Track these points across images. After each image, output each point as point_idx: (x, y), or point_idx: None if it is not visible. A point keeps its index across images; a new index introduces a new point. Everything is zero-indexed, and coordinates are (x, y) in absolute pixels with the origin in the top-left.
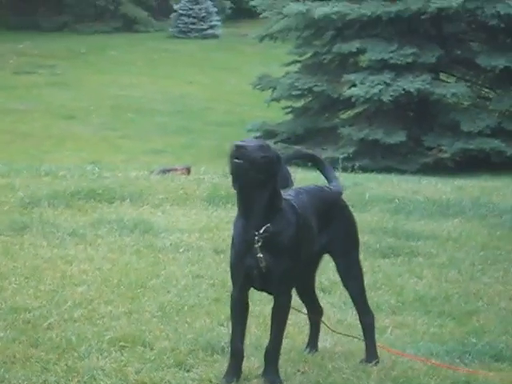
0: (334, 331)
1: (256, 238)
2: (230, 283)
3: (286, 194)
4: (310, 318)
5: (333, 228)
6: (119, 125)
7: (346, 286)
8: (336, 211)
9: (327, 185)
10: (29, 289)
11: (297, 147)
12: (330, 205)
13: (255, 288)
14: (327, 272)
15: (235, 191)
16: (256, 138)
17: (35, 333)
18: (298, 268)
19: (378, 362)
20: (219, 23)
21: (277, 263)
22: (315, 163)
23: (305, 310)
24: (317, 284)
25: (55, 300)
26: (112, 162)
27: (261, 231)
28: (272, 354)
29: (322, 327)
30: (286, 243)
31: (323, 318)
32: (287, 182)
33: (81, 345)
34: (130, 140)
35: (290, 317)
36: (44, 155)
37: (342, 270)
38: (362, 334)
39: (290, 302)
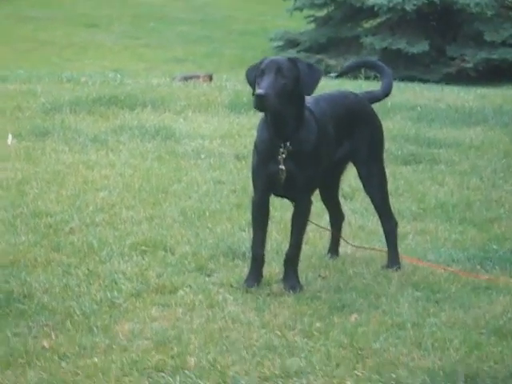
0: (349, 243)
1: (281, 149)
2: (251, 189)
3: (306, 101)
4: (331, 224)
5: (356, 136)
6: (141, 33)
7: (368, 193)
8: (360, 119)
9: (353, 91)
10: (50, 194)
11: (319, 56)
12: (353, 112)
13: (276, 194)
14: (349, 179)
15: None
16: (278, 47)
17: (57, 237)
18: (319, 174)
19: (399, 267)
20: None
21: (299, 171)
22: (373, 67)
23: (326, 217)
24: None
25: (77, 205)
26: (134, 70)
27: (287, 144)
28: (292, 258)
29: (344, 233)
30: (308, 152)
31: (344, 224)
32: (310, 89)
33: (102, 249)
34: (151, 49)
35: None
36: (65, 63)
37: (364, 178)
38: (383, 240)
39: (310, 207)
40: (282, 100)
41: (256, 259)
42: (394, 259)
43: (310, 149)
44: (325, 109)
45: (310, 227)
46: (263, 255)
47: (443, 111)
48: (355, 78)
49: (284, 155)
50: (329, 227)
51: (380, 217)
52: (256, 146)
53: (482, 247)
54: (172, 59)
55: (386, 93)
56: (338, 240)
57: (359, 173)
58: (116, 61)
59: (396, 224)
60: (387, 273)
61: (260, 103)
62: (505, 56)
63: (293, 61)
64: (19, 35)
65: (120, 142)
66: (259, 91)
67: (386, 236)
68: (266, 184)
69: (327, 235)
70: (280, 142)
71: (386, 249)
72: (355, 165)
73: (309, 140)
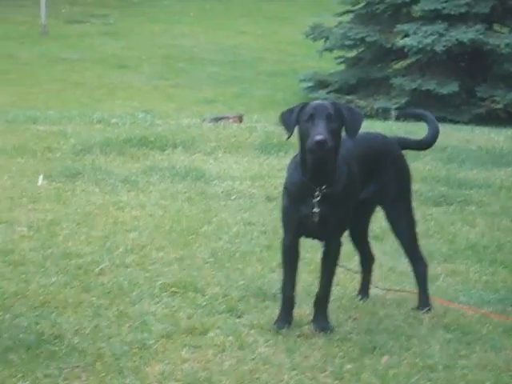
0: (379, 288)
1: (316, 192)
2: (281, 230)
3: None
4: (361, 266)
5: (382, 177)
6: (171, 74)
7: (396, 235)
8: (387, 160)
9: (382, 133)
10: (81, 235)
11: (349, 97)
12: (380, 153)
13: (305, 236)
14: (379, 220)
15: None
16: (308, 88)
17: (87, 278)
18: (349, 215)
19: (429, 309)
20: None
21: (332, 213)
22: (422, 118)
23: (357, 258)
24: (369, 232)
25: (107, 246)
26: (164, 111)
27: (322, 187)
28: (322, 300)
29: (374, 274)
30: (339, 193)
31: (374, 266)
32: (355, 133)
33: (132, 290)
34: (181, 89)
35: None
36: (96, 104)
37: (391, 220)
38: (413, 282)
39: (340, 248)
40: (333, 144)
41: (286, 301)
42: (424, 301)
43: (341, 190)
44: (350, 149)
45: (340, 268)
46: (293, 297)
47: (474, 152)
48: (385, 119)
49: (318, 198)
50: (359, 269)
51: (409, 258)
52: (286, 188)
53: None
54: (202, 100)
55: (428, 143)
56: (369, 282)
57: (387, 215)
58: (146, 101)
59: (426, 265)
60: (418, 314)
61: (320, 148)
62: None
63: (336, 104)
64: (50, 76)
65: (150, 182)
66: (319, 137)
67: (416, 277)
68: (298, 226)
69: (357, 276)
70: (315, 185)
71: (416, 290)
72: (382, 207)
73: (341, 182)
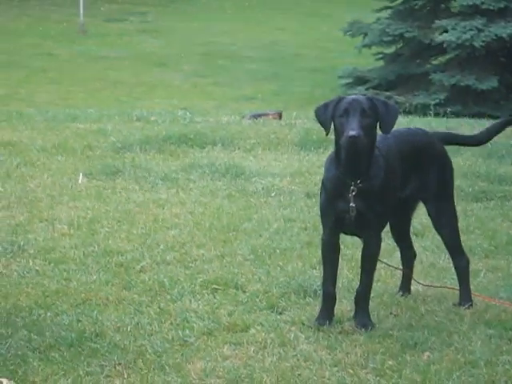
0: (420, 283)
1: (352, 187)
2: (321, 227)
3: None
4: (402, 262)
5: (424, 173)
6: (210, 72)
7: (437, 231)
8: (429, 156)
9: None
10: (121, 232)
11: (388, 93)
12: (421, 149)
13: (345, 232)
14: (420, 216)
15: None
16: (347, 84)
17: (128, 275)
18: (388, 211)
19: (471, 305)
20: None
21: (369, 208)
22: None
23: (398, 255)
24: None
25: (147, 243)
26: (203, 108)
27: (358, 182)
28: (363, 296)
29: (415, 270)
30: (377, 189)
31: (415, 261)
32: (389, 128)
33: (173, 287)
34: (220, 87)
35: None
36: (135, 102)
37: (433, 216)
38: (454, 277)
39: (380, 244)
40: (367, 139)
41: (327, 297)
42: (465, 297)
43: (378, 186)
44: (391, 145)
45: (381, 265)
46: (334, 293)
47: None
48: (424, 114)
49: (354, 193)
50: (400, 265)
51: (451, 254)
52: (323, 184)
53: None
54: (241, 97)
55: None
56: (410, 278)
57: (428, 211)
58: (185, 99)
59: (467, 261)
60: (459, 310)
61: (353, 144)
62: None
63: (371, 99)
64: (89, 74)
65: (190, 180)
66: (352, 133)
67: (457, 273)
68: (336, 222)
69: (398, 273)
70: (350, 180)
71: (457, 286)
72: (424, 203)
73: (377, 177)
